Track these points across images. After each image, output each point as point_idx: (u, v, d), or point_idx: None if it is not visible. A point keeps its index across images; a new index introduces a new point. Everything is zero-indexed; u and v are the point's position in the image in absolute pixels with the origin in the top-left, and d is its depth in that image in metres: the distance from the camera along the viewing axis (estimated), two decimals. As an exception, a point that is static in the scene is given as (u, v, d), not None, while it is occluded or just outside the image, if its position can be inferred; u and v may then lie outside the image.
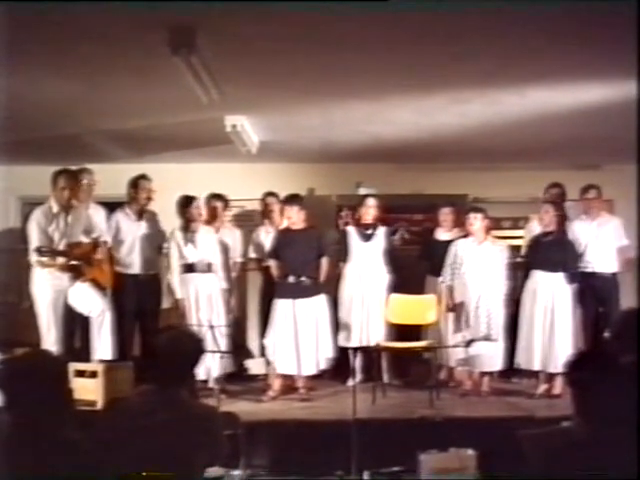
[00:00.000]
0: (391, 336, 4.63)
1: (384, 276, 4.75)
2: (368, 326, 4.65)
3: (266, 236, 5.00)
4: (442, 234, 4.94)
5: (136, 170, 4.85)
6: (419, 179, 5.73)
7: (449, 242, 4.65)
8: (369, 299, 4.69)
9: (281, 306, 4.45)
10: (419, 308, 4.58)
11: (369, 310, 4.67)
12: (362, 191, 5.41)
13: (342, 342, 4.64)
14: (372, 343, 4.55)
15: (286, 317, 4.41)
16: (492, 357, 4.40)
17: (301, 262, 4.43)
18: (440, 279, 4.63)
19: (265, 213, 5.16)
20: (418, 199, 5.66)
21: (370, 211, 4.81)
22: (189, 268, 4.57)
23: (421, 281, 4.90)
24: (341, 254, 4.81)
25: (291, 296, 4.41)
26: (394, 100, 4.19)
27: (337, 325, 4.61)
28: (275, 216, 5.03)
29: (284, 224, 4.70)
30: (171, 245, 4.59)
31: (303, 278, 4.41)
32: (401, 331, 4.65)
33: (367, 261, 4.75)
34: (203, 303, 4.54)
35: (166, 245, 4.67)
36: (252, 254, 5.10)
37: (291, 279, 4.43)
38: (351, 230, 4.86)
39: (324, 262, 4.55)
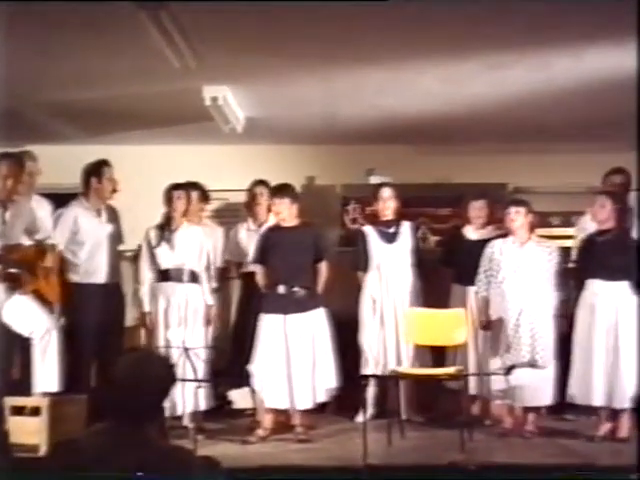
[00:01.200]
0: (411, 360, 4.67)
1: (414, 285, 4.78)
2: (385, 347, 4.68)
3: (247, 234, 5.01)
4: (473, 233, 4.94)
5: (90, 154, 4.81)
6: (445, 164, 5.70)
7: (482, 243, 4.63)
8: (397, 313, 4.71)
9: (269, 323, 4.42)
10: (444, 325, 4.58)
11: (390, 327, 4.70)
12: (374, 180, 5.44)
13: (363, 370, 4.67)
14: (388, 369, 4.58)
15: (276, 337, 4.39)
16: (539, 388, 4.33)
17: (293, 267, 4.41)
18: (471, 289, 4.65)
19: (251, 206, 5.14)
20: (443, 189, 5.63)
21: (389, 204, 4.80)
22: (162, 275, 4.61)
23: (446, 291, 4.90)
24: (359, 261, 4.81)
25: (281, 310, 4.38)
26: (414, 66, 4.16)
27: (343, 345, 4.61)
28: (261, 210, 5.03)
29: (270, 221, 4.70)
30: (143, 246, 4.65)
31: (296, 288, 4.39)
32: (422, 354, 4.69)
33: (393, 267, 4.76)
34: (175, 319, 4.57)
35: (139, 245, 4.75)
36: (227, 256, 5.09)
37: (281, 289, 4.41)
38: (369, 230, 4.86)
39: (323, 267, 4.53)
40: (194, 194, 4.93)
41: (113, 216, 4.81)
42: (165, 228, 4.65)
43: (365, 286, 4.77)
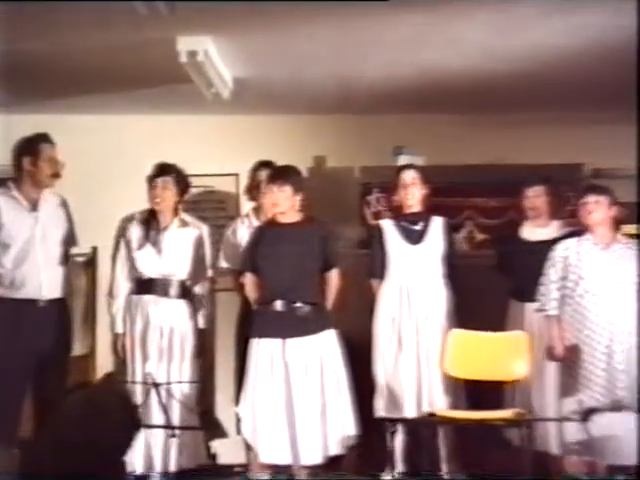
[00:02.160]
0: (453, 400, 4.60)
1: (444, 299, 4.73)
2: (417, 383, 4.64)
3: (248, 232, 4.98)
4: (536, 231, 4.88)
5: (23, 125, 4.75)
6: (499, 140, 5.62)
7: (549, 244, 4.56)
8: (421, 337, 4.68)
9: (263, 350, 4.39)
10: (498, 353, 4.55)
11: (419, 356, 4.67)
12: (404, 161, 5.37)
13: (384, 410, 4.63)
14: (423, 411, 4.53)
15: (272, 368, 4.37)
16: (631, 440, 4.11)
17: (295, 277, 4.39)
18: (535, 306, 4.55)
19: (253, 195, 5.14)
20: (496, 173, 5.54)
21: (414, 192, 4.75)
22: (142, 286, 4.67)
23: (500, 309, 4.86)
24: (373, 266, 4.79)
25: (279, 333, 4.37)
26: (452, 11, 4.11)
27: (361, 381, 4.56)
28: (264, 202, 4.98)
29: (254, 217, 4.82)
30: (119, 247, 4.72)
31: (298, 303, 4.38)
32: (469, 392, 4.62)
33: (417, 275, 4.73)
34: (155, 346, 4.60)
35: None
36: (224, 263, 5.08)
37: (279, 305, 4.40)
38: (387, 225, 4.82)
39: (334, 277, 4.52)
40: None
41: (60, 210, 4.69)
42: (151, 226, 4.71)
43: (381, 299, 4.74)
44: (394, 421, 4.47)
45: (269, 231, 4.54)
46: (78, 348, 4.96)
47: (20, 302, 4.49)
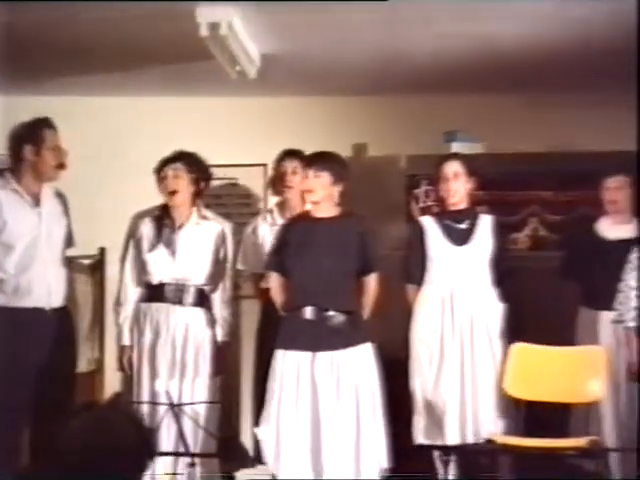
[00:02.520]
0: (515, 425, 4.54)
1: (496, 309, 4.68)
2: (461, 404, 4.59)
3: (271, 232, 5.00)
4: (615, 228, 4.84)
5: (23, 108, 4.76)
6: (564, 122, 5.54)
7: (630, 244, 4.54)
8: (465, 352, 4.64)
9: (289, 365, 4.37)
10: (569, 371, 4.51)
11: (464, 373, 4.62)
12: (456, 148, 5.34)
13: (422, 436, 4.62)
14: (478, 438, 4.51)
15: (299, 386, 4.35)
16: None
17: (328, 280, 4.38)
18: (612, 316, 4.52)
19: (277, 189, 5.14)
20: (563, 161, 5.46)
21: (457, 187, 4.69)
22: (153, 293, 4.67)
23: (569, 319, 4.81)
24: (410, 269, 4.78)
25: (308, 345, 4.34)
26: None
27: (400, 403, 4.54)
28: (292, 196, 5.01)
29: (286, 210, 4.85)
30: (129, 247, 4.75)
31: (331, 312, 4.36)
32: (534, 415, 4.52)
33: (461, 280, 4.69)
34: (165, 360, 4.60)
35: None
36: (242, 265, 5.09)
37: (308, 313, 4.37)
38: (428, 223, 4.78)
39: (372, 282, 4.48)
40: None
41: (59, 205, 4.66)
42: (164, 224, 4.71)
43: (419, 308, 4.71)
44: (445, 449, 4.39)
45: (300, 226, 4.51)
46: (83, 364, 4.96)
47: (25, 311, 4.48)
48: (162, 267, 4.67)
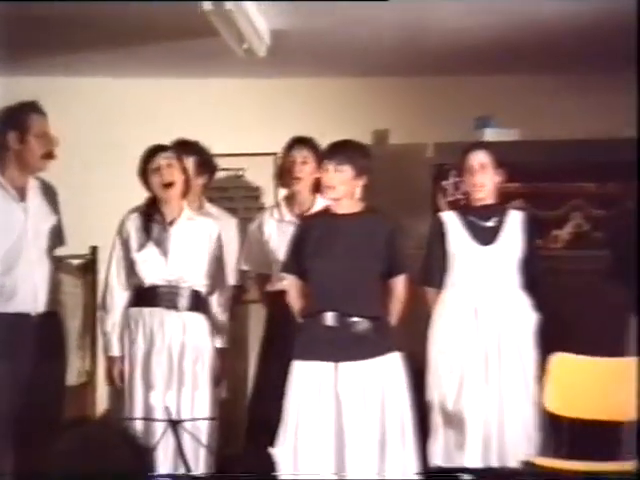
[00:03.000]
0: (556, 445, 4.51)
1: (526, 316, 4.68)
2: (485, 422, 4.59)
3: (279, 230, 5.03)
4: None
5: (6, 90, 4.83)
6: (610, 106, 5.52)
7: None
8: (491, 363, 4.64)
9: (308, 377, 4.36)
10: (616, 386, 4.49)
11: (496, 387, 4.61)
12: (488, 135, 5.38)
13: (441, 457, 4.60)
14: (513, 460, 4.48)
15: (319, 400, 4.34)
16: None
17: (351, 283, 4.37)
18: None
19: (285, 181, 5.12)
20: (611, 149, 5.40)
21: (484, 180, 4.68)
22: (144, 297, 4.68)
23: (618, 328, 4.81)
24: (429, 270, 4.78)
25: (330, 355, 4.34)
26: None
27: (426, 418, 4.55)
28: (302, 188, 5.00)
29: (315, 205, 4.77)
30: (114, 247, 4.75)
31: (355, 318, 4.36)
32: (577, 434, 4.52)
33: (487, 284, 4.69)
34: (161, 371, 4.61)
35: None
36: (245, 265, 5.14)
37: (329, 319, 4.37)
38: (450, 219, 4.79)
39: (400, 285, 4.48)
40: (190, 162, 4.94)
41: (47, 200, 4.65)
42: (153, 219, 4.69)
43: (439, 313, 4.71)
44: (478, 472, 4.41)
45: (319, 224, 4.48)
46: (73, 376, 4.96)
47: (8, 317, 4.48)
48: (153, 268, 4.65)
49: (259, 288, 5.12)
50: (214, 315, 4.75)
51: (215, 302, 4.76)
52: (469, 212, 4.72)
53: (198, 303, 4.69)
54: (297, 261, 4.49)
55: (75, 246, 4.92)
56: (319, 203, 4.74)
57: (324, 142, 4.71)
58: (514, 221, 4.71)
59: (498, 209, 4.72)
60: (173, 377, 4.60)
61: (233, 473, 4.76)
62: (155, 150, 4.67)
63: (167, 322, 4.63)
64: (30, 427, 4.43)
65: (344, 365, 4.31)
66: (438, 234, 4.74)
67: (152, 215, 4.69)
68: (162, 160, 4.64)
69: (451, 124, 5.53)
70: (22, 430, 4.45)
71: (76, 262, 5.36)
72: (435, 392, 4.63)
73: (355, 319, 4.33)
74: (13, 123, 4.51)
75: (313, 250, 4.44)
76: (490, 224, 4.71)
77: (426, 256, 4.78)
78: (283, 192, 5.26)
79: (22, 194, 4.54)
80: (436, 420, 4.62)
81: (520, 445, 4.52)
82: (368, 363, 4.32)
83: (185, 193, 4.73)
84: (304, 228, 4.55)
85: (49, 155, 4.52)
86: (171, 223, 4.68)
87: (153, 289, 4.64)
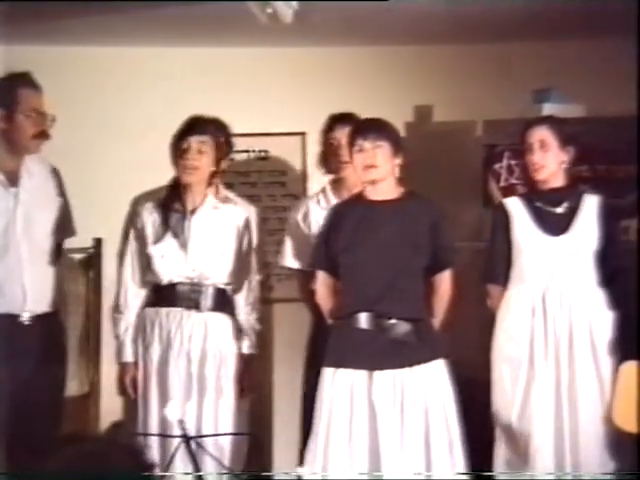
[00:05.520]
0: (621, 461, 4.53)
1: (604, 316, 4.65)
2: (556, 435, 4.59)
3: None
4: None
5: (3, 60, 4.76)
6: None
7: None
8: (562, 369, 4.63)
9: (342, 386, 4.41)
10: None
11: (561, 396, 4.61)
12: (549, 110, 5.32)
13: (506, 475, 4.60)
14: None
15: (353, 412, 4.37)
16: None
17: (389, 280, 4.41)
18: None
19: (332, 166, 5.12)
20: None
21: (546, 159, 4.65)
22: (162, 296, 4.76)
23: None
24: (492, 265, 4.82)
25: (364, 362, 4.38)
26: None
27: (480, 433, 4.56)
28: (350, 174, 4.95)
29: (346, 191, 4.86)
30: (129, 239, 4.82)
31: (393, 320, 4.39)
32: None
33: (558, 279, 4.68)
34: (178, 379, 4.66)
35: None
36: (292, 261, 5.13)
37: (364, 321, 4.41)
38: (515, 207, 4.78)
39: (445, 281, 4.54)
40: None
41: (45, 183, 4.69)
42: (173, 208, 4.73)
43: (504, 314, 4.70)
44: None
45: (353, 211, 4.52)
46: (74, 385, 4.99)
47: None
48: (172, 263, 4.71)
49: (302, 286, 5.10)
50: (241, 316, 4.80)
51: (242, 301, 4.81)
52: (535, 197, 4.72)
53: (222, 303, 4.75)
54: (327, 255, 4.54)
55: (76, 238, 4.89)
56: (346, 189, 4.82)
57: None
58: (589, 207, 4.69)
59: (570, 193, 4.71)
60: (193, 386, 4.65)
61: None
62: (190, 130, 4.70)
63: (187, 324, 4.69)
64: (22, 443, 4.46)
65: (380, 374, 4.33)
66: (501, 224, 4.76)
67: (172, 203, 4.74)
68: (194, 143, 4.68)
69: (504, 99, 5.49)
70: (12, 447, 4.48)
71: (78, 257, 5.38)
72: (499, 401, 4.66)
73: (393, 321, 4.37)
74: (4, 99, 4.55)
75: (346, 242, 4.48)
76: (560, 211, 4.71)
77: (489, 250, 4.82)
78: (319, 177, 5.27)
79: (13, 179, 4.56)
80: (500, 433, 4.66)
81: (595, 465, 4.54)
82: (408, 372, 4.36)
83: (210, 180, 4.76)
84: (335, 217, 4.60)
85: (42, 135, 4.54)
86: (193, 212, 4.73)
87: (172, 287, 4.70)
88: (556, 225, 4.68)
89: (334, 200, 5.02)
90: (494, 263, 4.76)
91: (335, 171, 5.09)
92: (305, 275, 5.02)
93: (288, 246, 5.09)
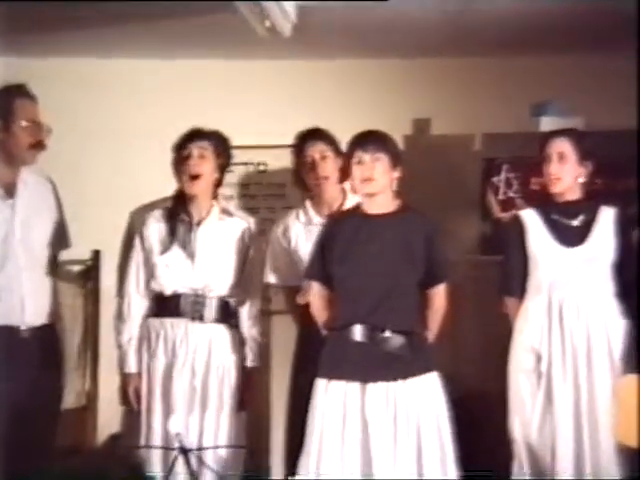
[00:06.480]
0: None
1: (618, 329, 4.67)
2: (576, 451, 4.59)
3: (306, 233, 5.04)
4: None
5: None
6: None
7: None
8: (581, 383, 4.64)
9: (334, 398, 4.38)
10: None
11: (580, 411, 4.62)
12: (546, 124, 5.39)
13: None
14: None
15: (345, 424, 4.35)
16: None
17: (383, 293, 4.39)
18: None
19: (307, 182, 5.09)
20: None
21: (562, 171, 4.68)
22: (165, 306, 4.74)
23: None
24: (508, 278, 4.84)
25: (358, 375, 4.36)
26: None
27: (479, 452, 4.55)
28: (328, 189, 5.00)
29: (346, 204, 4.81)
30: (134, 249, 4.81)
31: (387, 332, 4.36)
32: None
33: (575, 291, 4.70)
34: (182, 392, 4.65)
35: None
36: (271, 277, 5.12)
37: (358, 333, 4.38)
38: (531, 219, 4.80)
39: (440, 295, 4.51)
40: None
41: (42, 194, 4.67)
42: (179, 219, 4.74)
43: (520, 326, 4.72)
44: None
45: (349, 224, 4.48)
46: (71, 398, 4.99)
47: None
48: (177, 273, 4.71)
49: (287, 300, 5.14)
50: (244, 329, 4.80)
51: (246, 314, 4.81)
52: (552, 209, 4.72)
53: (226, 314, 4.75)
54: (322, 266, 4.52)
55: (74, 250, 4.84)
56: (350, 201, 4.73)
57: (348, 133, 4.63)
58: (606, 219, 4.70)
59: (586, 206, 4.71)
60: (195, 398, 4.64)
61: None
62: (191, 137, 4.69)
63: (192, 335, 4.67)
64: (19, 455, 4.33)
65: (373, 386, 4.31)
66: (517, 236, 4.75)
67: (178, 214, 4.74)
68: (195, 149, 4.68)
69: (503, 112, 5.54)
70: (9, 459, 4.34)
71: (75, 268, 5.41)
72: (515, 417, 4.65)
73: (387, 334, 4.33)
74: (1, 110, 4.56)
75: (341, 253, 4.45)
76: (576, 223, 4.70)
77: (505, 262, 4.82)
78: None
79: (9, 190, 4.55)
80: (519, 450, 4.64)
81: (617, 475, 4.51)
82: (401, 384, 4.33)
83: (215, 191, 4.77)
84: (331, 228, 4.58)
85: (38, 145, 4.52)
86: (199, 223, 4.73)
87: (177, 297, 4.69)
88: (572, 237, 4.68)
89: (314, 215, 5.03)
90: (510, 275, 4.76)
91: (312, 188, 5.07)
92: (290, 290, 5.04)
93: (270, 262, 5.07)
